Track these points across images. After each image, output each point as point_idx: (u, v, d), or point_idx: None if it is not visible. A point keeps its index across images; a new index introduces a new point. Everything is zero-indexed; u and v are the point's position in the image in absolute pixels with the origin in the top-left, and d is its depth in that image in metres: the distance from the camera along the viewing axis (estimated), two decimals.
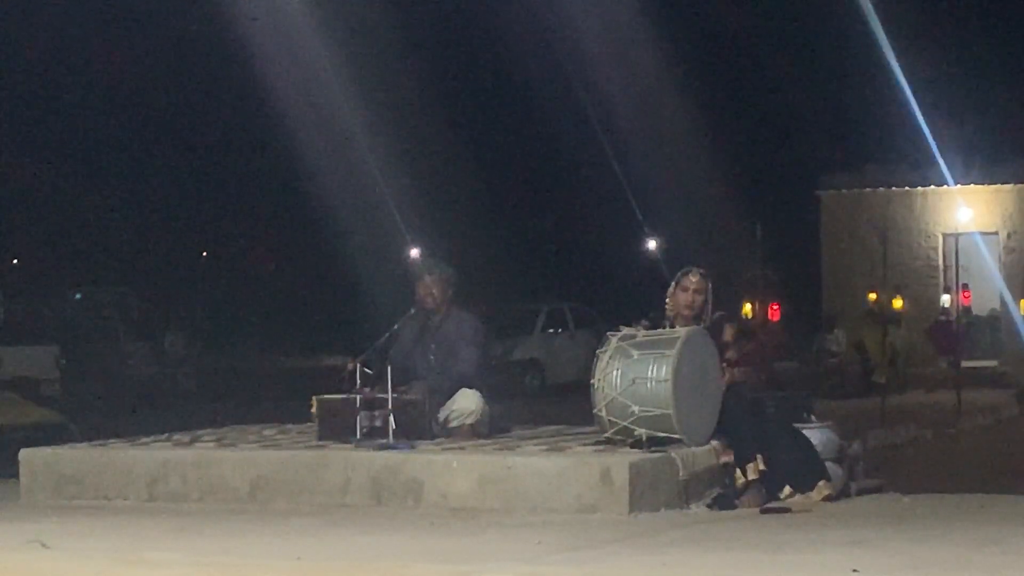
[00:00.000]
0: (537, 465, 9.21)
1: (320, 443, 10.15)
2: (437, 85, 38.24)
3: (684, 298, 10.04)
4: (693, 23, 41.29)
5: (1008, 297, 33.71)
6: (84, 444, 11.13)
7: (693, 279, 10.07)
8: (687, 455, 9.34)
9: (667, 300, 10.10)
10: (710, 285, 10.10)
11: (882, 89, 31.52)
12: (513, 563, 7.34)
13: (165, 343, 33.37)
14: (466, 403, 10.45)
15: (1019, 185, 35.93)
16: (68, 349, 28.55)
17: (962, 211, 35.19)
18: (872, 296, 32.59)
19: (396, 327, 10.88)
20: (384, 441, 9.88)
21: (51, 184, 40.98)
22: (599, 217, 41.08)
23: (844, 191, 37.41)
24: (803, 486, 9.49)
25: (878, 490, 10.28)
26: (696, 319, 9.98)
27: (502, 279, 33.84)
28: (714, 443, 9.57)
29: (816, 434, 9.97)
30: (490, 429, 10.50)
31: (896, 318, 30.64)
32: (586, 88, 34.44)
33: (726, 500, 9.27)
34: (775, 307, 32.19)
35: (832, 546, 7.63)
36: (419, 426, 10.17)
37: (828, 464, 9.77)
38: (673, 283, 10.13)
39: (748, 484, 9.37)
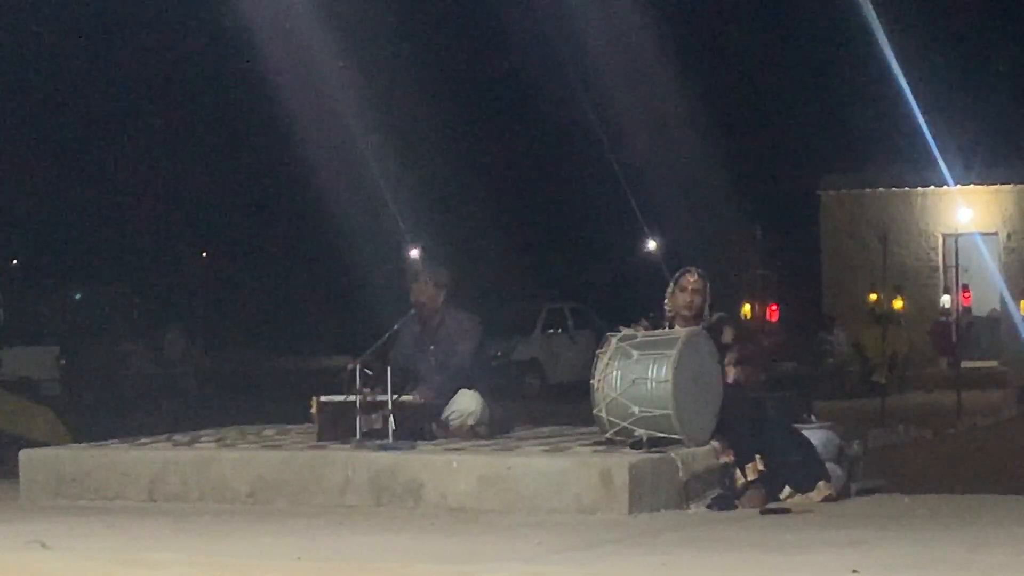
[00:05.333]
0: (537, 465, 9.21)
1: (320, 443, 10.16)
2: (438, 85, 38.22)
3: (683, 298, 10.04)
4: (693, 23, 41.25)
5: (1008, 297, 33.71)
6: (84, 444, 11.14)
7: (691, 279, 10.07)
8: (687, 455, 9.34)
9: (666, 301, 10.11)
10: (708, 285, 10.10)
11: (882, 89, 31.51)
12: (513, 563, 7.34)
13: (165, 343, 33.37)
14: (466, 403, 10.46)
15: (1019, 185, 35.92)
16: (68, 349, 28.56)
17: (962, 211, 35.18)
18: (872, 296, 32.59)
19: (396, 328, 10.89)
20: (384, 441, 9.88)
21: (51, 184, 40.96)
22: (599, 217, 41.06)
23: (844, 191, 37.40)
24: (803, 486, 9.49)
25: (878, 490, 10.28)
26: (695, 319, 9.98)
27: (502, 279, 33.84)
28: (714, 443, 9.57)
29: (816, 434, 9.97)
30: (490, 429, 10.51)
31: (896, 318, 30.64)
32: (587, 88, 34.43)
33: (726, 500, 9.26)
34: (773, 308, 32.18)
35: (832, 546, 7.63)
36: (419, 427, 10.18)
37: (828, 464, 9.77)
38: (671, 283, 10.13)
39: (748, 484, 9.37)
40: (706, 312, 10.04)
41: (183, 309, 37.94)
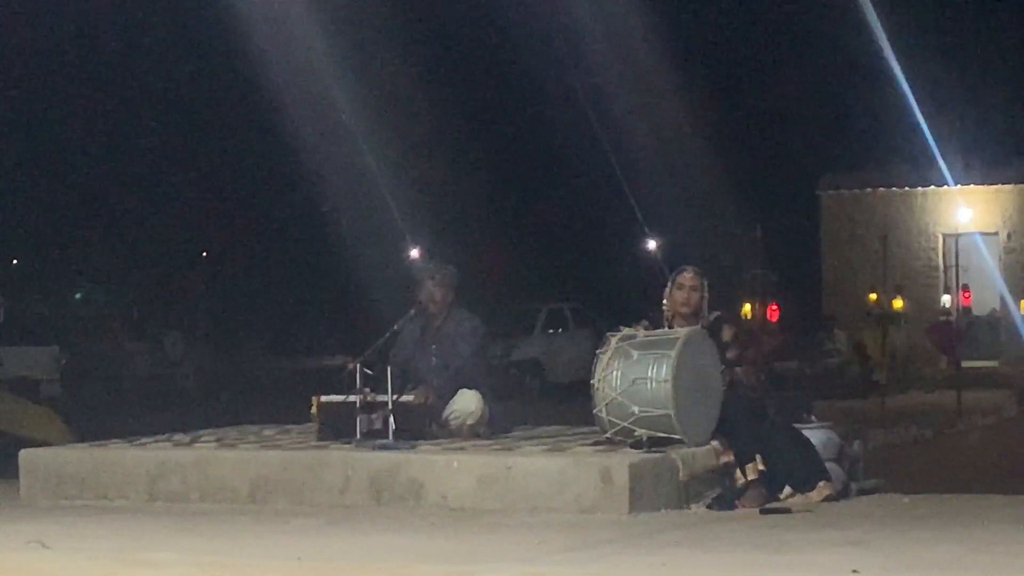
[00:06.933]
0: (537, 465, 9.21)
1: (320, 443, 10.15)
2: (438, 85, 38.24)
3: (680, 296, 10.05)
4: (693, 23, 41.29)
5: (1008, 297, 33.71)
6: (84, 444, 11.14)
7: (688, 276, 10.09)
8: (687, 455, 9.34)
9: (664, 300, 10.12)
10: (705, 282, 10.12)
11: (882, 89, 31.54)
12: (513, 563, 7.34)
13: (165, 343, 33.37)
14: (466, 403, 10.46)
15: (1019, 185, 35.93)
16: (68, 349, 28.54)
17: (962, 211, 35.19)
18: (872, 296, 32.59)
19: (396, 327, 10.88)
20: (384, 441, 9.88)
21: (51, 184, 40.96)
22: (599, 217, 41.08)
23: (844, 191, 37.41)
24: (803, 486, 9.48)
25: (878, 490, 10.28)
26: (693, 317, 9.99)
27: (502, 279, 33.85)
28: (714, 443, 9.57)
29: (816, 434, 9.97)
30: (490, 429, 10.51)
31: (896, 318, 30.63)
32: (586, 88, 34.46)
33: (726, 500, 9.26)
34: (774, 307, 32.18)
35: (832, 546, 7.62)
36: (419, 427, 10.18)
37: (828, 464, 9.77)
38: (669, 282, 10.16)
39: (748, 484, 9.37)
40: (704, 310, 10.06)
41: (183, 309, 37.94)
